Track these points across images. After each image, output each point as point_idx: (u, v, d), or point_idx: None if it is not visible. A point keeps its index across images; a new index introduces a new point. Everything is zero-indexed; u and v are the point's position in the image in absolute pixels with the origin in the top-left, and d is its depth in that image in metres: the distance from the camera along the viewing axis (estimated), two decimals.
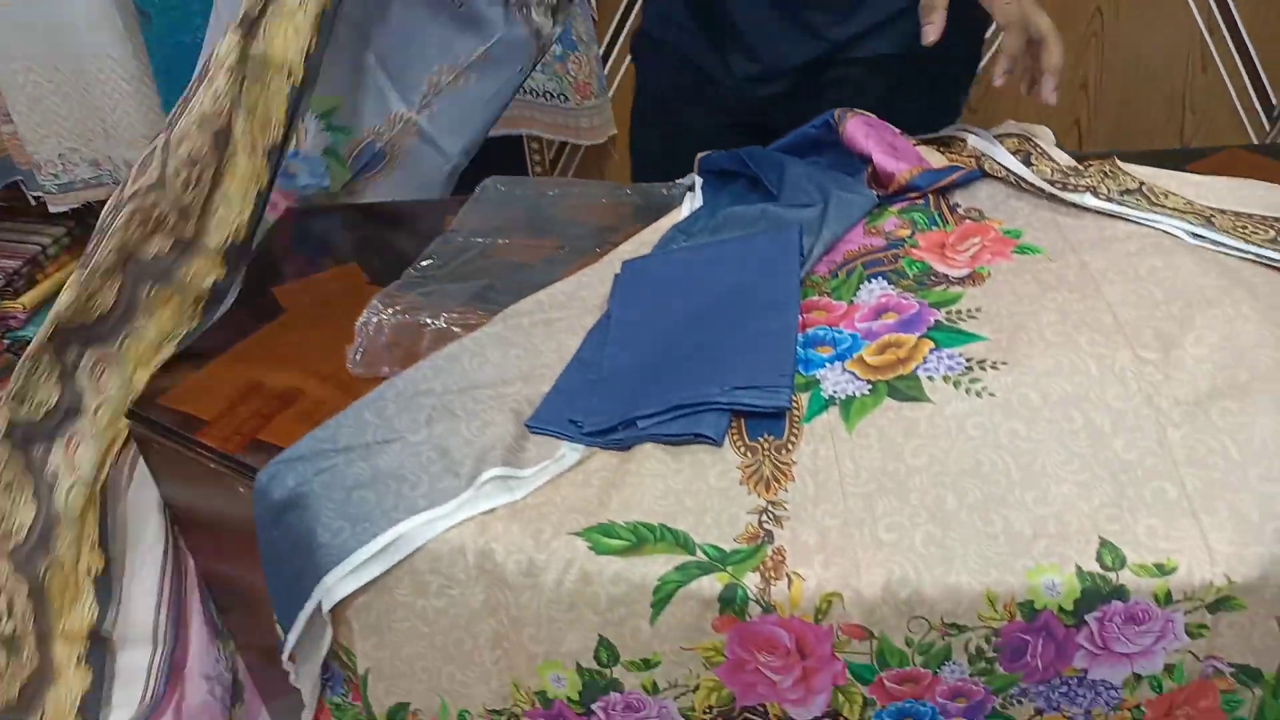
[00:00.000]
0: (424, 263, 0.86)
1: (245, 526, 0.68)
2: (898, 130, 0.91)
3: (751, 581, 0.55)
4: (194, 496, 0.77)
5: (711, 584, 0.55)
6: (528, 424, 0.66)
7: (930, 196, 0.84)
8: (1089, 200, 0.77)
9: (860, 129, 0.88)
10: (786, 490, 0.60)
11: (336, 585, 0.58)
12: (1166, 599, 0.53)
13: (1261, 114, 1.90)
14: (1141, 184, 0.80)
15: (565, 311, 0.77)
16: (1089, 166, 0.83)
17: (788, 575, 0.55)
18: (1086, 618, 0.53)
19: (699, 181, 0.94)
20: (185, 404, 0.75)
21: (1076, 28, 1.81)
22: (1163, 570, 0.52)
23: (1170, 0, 1.79)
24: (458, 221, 0.92)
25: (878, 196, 0.85)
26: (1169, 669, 0.54)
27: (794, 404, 0.64)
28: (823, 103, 0.96)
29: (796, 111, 0.98)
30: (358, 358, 0.76)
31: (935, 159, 0.87)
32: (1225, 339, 0.61)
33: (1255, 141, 1.93)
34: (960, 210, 0.82)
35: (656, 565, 0.56)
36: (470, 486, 0.60)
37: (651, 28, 1.12)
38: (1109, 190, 0.79)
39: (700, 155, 0.95)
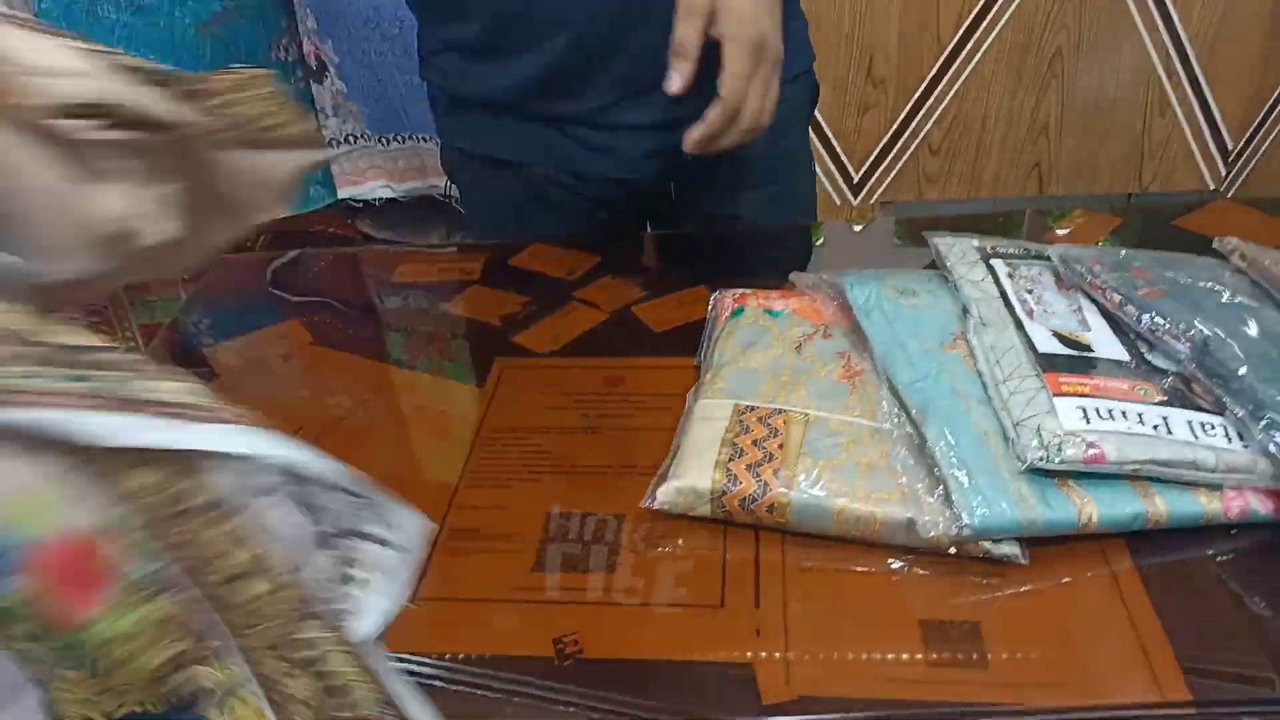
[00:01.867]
0: None
1: None
2: None
3: None
4: None
5: None
6: None
7: None
8: None
9: None
10: None
11: None
12: None
13: (1218, 159, 1.91)
14: None
15: None
16: None
17: None
18: None
19: None
20: None
21: (1038, 69, 1.80)
22: None
23: (1129, 44, 1.79)
24: None
25: None
26: None
27: None
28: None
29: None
30: None
31: None
32: None
33: (1211, 185, 1.94)
34: None
35: None
36: None
37: (475, 145, 0.97)
38: None
39: None
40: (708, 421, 0.64)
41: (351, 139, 1.81)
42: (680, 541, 0.59)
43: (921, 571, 0.56)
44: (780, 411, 0.64)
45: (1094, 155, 1.91)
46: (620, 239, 0.97)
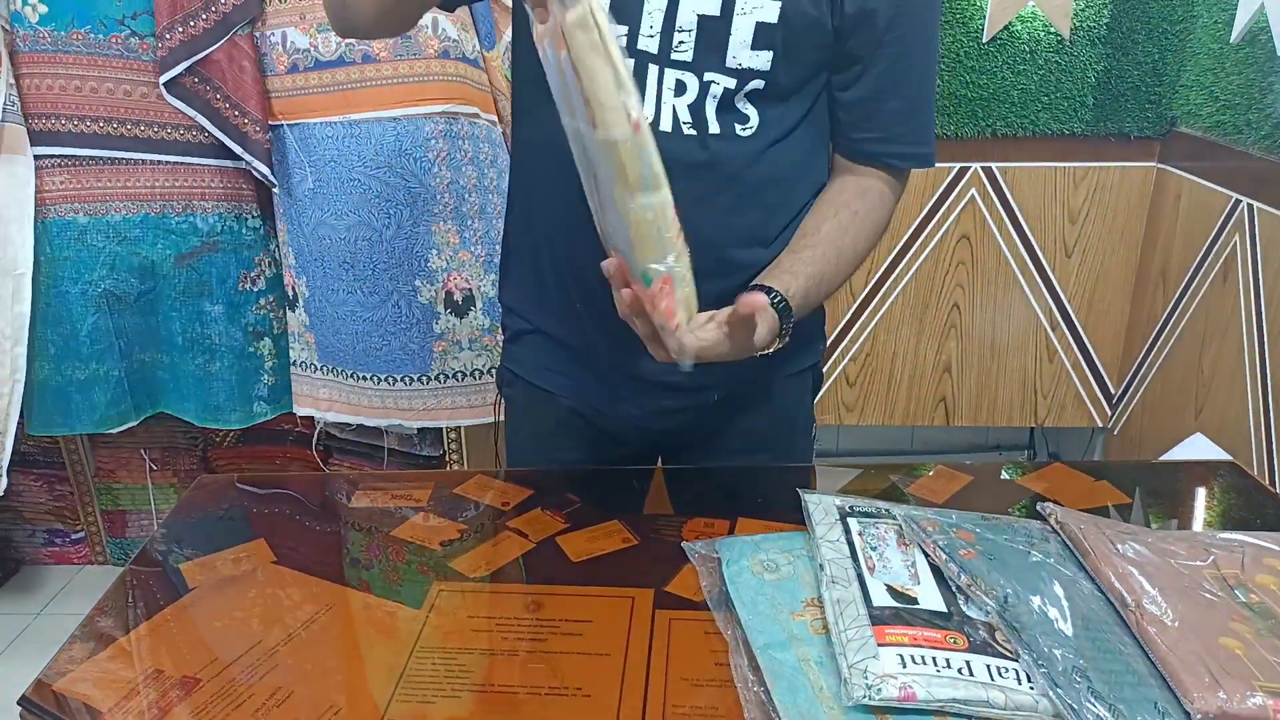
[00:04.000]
0: None
1: None
2: None
3: None
4: None
5: None
6: None
7: None
8: None
9: None
10: None
11: None
12: None
13: (1103, 400, 2.14)
14: None
15: None
16: None
17: None
18: None
19: None
20: (82, 691, 0.77)
21: (939, 319, 2.05)
22: None
23: (1016, 301, 2.05)
24: None
25: None
26: None
27: None
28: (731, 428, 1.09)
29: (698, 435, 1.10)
30: None
31: None
32: None
33: (1099, 423, 2.17)
34: None
35: None
36: None
37: (520, 368, 1.16)
38: None
39: None
40: None
41: (303, 366, 1.97)
42: None
43: None
44: None
45: (993, 394, 2.13)
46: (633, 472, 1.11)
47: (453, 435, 2.08)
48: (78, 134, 1.71)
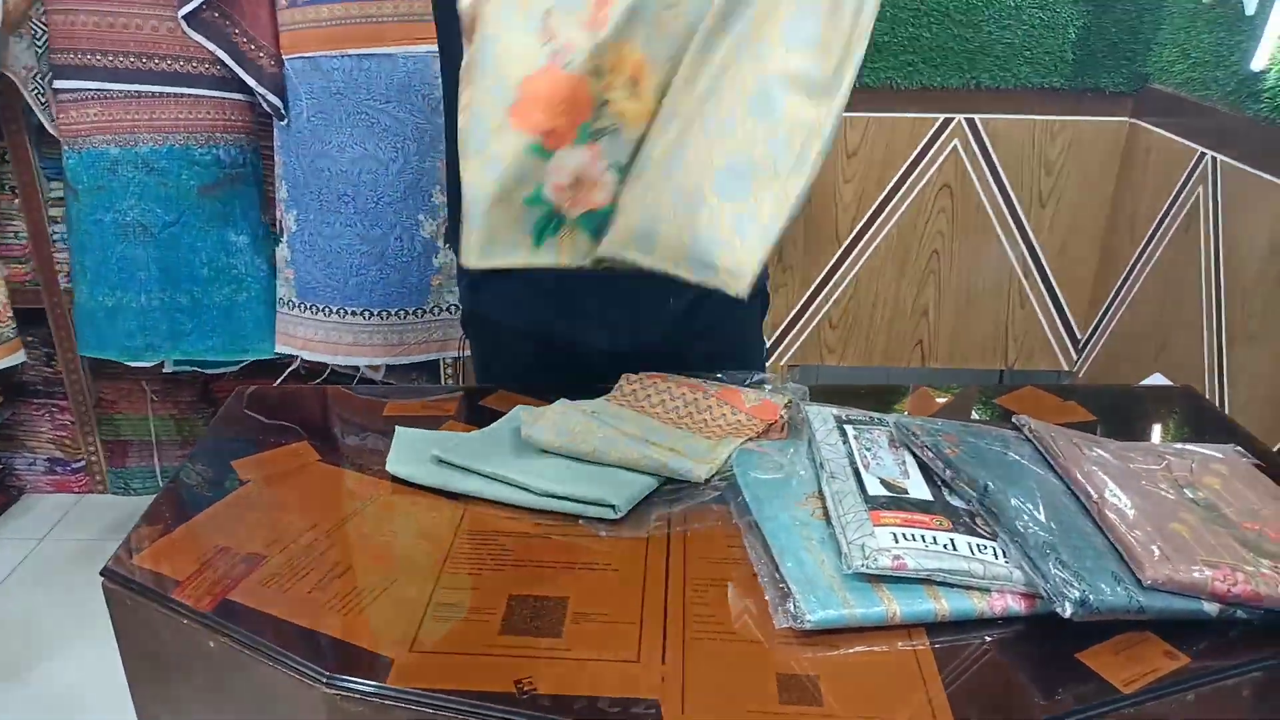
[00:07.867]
0: None
1: (204, 680, 0.78)
2: None
3: None
4: (158, 652, 0.85)
5: None
6: None
7: None
8: None
9: None
10: None
11: None
12: None
13: (1069, 344, 2.26)
14: None
15: None
16: None
17: None
18: None
19: None
20: (158, 564, 0.85)
21: (919, 265, 2.15)
22: None
23: (992, 249, 2.15)
24: None
25: None
26: None
27: None
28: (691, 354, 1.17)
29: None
30: None
31: None
32: None
33: (1065, 366, 2.29)
34: None
35: None
36: None
37: (486, 310, 1.23)
38: None
39: None
40: None
41: (284, 304, 2.01)
42: (606, 612, 0.80)
43: (780, 641, 0.78)
44: None
45: (967, 337, 2.24)
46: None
47: (449, 367, 2.16)
48: (110, 69, 1.75)
